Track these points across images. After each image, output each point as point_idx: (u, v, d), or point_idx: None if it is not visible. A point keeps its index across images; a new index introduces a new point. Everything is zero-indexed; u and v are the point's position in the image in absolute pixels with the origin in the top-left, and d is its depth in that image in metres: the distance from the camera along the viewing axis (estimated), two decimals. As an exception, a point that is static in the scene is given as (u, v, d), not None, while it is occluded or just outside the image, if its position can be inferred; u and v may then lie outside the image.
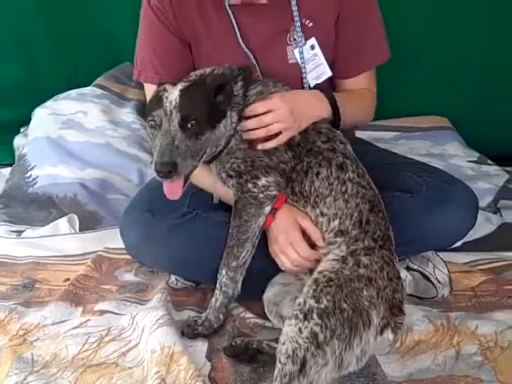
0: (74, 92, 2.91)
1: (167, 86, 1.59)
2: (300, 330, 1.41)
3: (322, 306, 1.44)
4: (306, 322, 1.42)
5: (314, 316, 1.42)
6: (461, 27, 2.92)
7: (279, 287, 1.73)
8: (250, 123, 1.65)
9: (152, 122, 1.56)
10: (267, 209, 1.67)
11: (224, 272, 1.68)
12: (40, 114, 2.82)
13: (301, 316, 1.43)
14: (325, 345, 1.40)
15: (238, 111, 1.66)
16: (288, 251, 1.67)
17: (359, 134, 2.19)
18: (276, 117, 1.64)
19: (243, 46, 1.83)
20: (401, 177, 1.85)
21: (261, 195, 1.66)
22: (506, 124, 2.99)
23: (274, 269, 1.74)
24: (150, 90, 1.89)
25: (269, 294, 1.73)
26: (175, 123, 1.53)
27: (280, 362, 1.40)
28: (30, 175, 2.56)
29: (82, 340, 1.66)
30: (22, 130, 2.95)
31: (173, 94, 1.55)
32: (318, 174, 1.65)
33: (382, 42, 1.97)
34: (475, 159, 2.80)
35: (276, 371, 1.40)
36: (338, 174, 1.64)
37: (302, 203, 1.67)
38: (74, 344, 1.65)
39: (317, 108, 1.75)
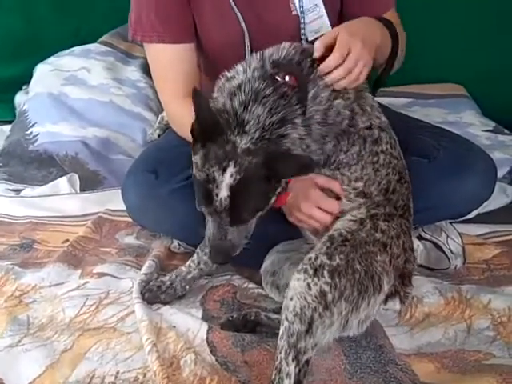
0: (77, 48, 2.84)
1: (216, 174, 1.30)
2: (308, 285, 1.33)
3: (334, 263, 1.35)
4: (315, 279, 1.33)
5: (325, 273, 1.34)
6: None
7: (277, 255, 1.64)
8: (336, 76, 1.44)
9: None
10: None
11: (208, 250, 1.56)
12: (42, 70, 2.75)
13: (311, 271, 1.34)
14: (332, 305, 1.33)
15: None
16: (316, 214, 1.53)
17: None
18: (356, 57, 1.44)
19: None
20: (418, 141, 1.78)
21: None
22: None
23: (282, 235, 1.67)
24: (150, 50, 1.78)
25: (266, 263, 1.65)
26: (227, 222, 1.34)
27: (287, 319, 1.32)
28: (31, 132, 2.48)
29: (79, 303, 1.61)
30: (23, 87, 2.87)
31: (222, 192, 1.30)
32: (347, 151, 1.49)
33: None
34: (491, 128, 2.70)
35: (282, 329, 1.33)
36: (371, 148, 1.51)
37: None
38: (72, 307, 1.59)
39: (377, 35, 1.56)
